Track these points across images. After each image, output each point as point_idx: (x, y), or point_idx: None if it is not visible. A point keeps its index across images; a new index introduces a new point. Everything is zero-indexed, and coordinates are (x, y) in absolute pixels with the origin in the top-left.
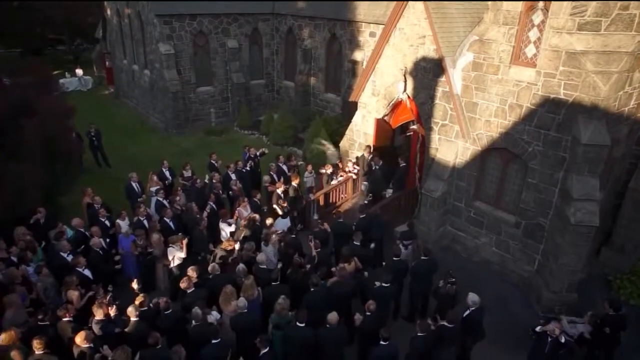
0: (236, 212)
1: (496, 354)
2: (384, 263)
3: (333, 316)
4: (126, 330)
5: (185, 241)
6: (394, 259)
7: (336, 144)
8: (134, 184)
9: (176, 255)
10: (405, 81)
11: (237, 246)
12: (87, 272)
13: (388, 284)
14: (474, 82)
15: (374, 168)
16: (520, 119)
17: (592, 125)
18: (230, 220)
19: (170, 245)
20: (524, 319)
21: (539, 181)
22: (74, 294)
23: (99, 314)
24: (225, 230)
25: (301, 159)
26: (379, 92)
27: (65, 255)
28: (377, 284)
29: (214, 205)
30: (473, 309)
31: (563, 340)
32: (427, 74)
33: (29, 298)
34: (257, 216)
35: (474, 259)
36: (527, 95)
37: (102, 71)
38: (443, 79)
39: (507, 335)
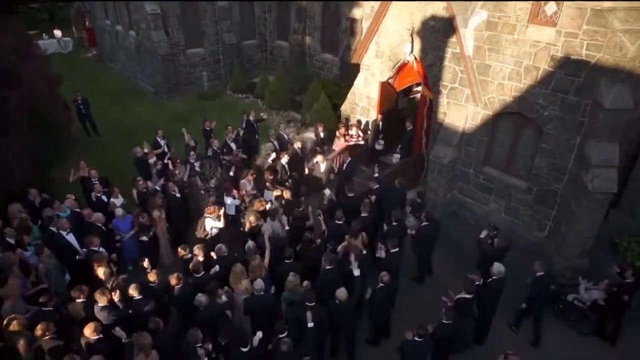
0: (240, 184)
1: (506, 321)
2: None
3: (341, 292)
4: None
5: (222, 211)
6: (393, 223)
7: (335, 107)
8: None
9: (213, 226)
10: (412, 42)
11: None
12: (102, 250)
13: (396, 249)
14: (487, 42)
15: (343, 167)
16: (537, 82)
17: (615, 88)
18: (234, 194)
19: (207, 215)
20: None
21: (554, 147)
22: (104, 271)
23: (102, 301)
24: (229, 204)
25: (300, 124)
26: (383, 53)
27: (64, 233)
28: (382, 253)
29: (218, 176)
30: (496, 278)
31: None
32: (437, 34)
33: (30, 282)
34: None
35: (483, 225)
36: (545, 57)
37: (82, 32)
38: (453, 39)
39: (517, 303)
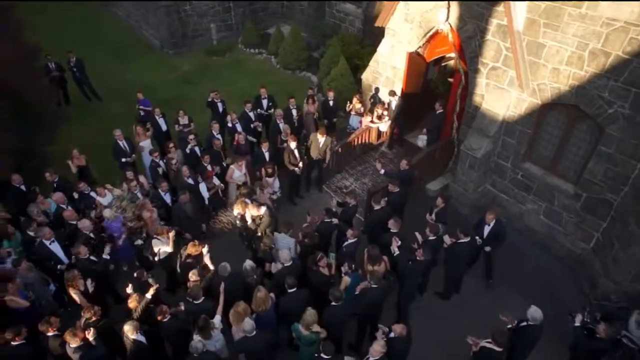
0: (229, 170)
1: (541, 347)
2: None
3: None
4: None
5: (172, 233)
6: (430, 238)
7: (356, 69)
8: (120, 143)
9: (161, 250)
10: (449, 7)
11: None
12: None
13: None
14: (543, 15)
15: (375, 208)
16: (604, 71)
17: None
18: (215, 181)
19: (155, 236)
20: (573, 306)
21: (616, 151)
22: (74, 292)
23: (74, 342)
24: (204, 193)
25: (316, 87)
26: (413, 18)
27: (47, 243)
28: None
29: (207, 166)
30: (531, 324)
31: None
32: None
33: None
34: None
35: (516, 225)
36: (621, 40)
37: None
38: (501, 7)
39: (554, 327)
